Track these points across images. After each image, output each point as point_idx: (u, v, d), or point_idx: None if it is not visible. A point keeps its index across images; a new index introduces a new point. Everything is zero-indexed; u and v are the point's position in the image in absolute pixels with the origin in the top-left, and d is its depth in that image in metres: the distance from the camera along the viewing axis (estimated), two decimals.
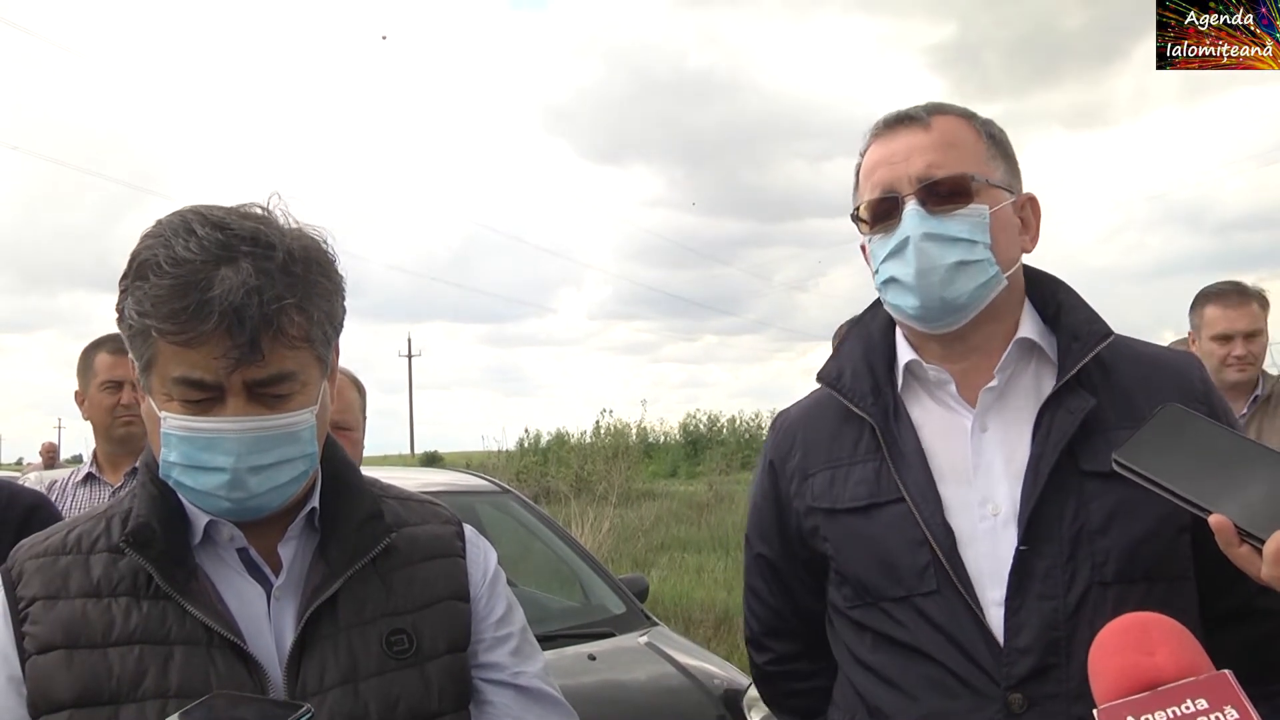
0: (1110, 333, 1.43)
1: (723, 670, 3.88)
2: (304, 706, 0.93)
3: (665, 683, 3.71)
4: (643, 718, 3.51)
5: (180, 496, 1.20)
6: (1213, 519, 1.12)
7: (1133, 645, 1.05)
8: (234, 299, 1.07)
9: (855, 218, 1.53)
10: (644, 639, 4.06)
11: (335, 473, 1.31)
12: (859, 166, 1.54)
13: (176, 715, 0.95)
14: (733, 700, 3.62)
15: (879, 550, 1.43)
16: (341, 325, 1.24)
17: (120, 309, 1.14)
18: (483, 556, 1.38)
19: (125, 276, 1.13)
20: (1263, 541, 1.09)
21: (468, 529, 1.40)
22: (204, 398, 1.12)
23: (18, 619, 1.14)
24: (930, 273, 1.40)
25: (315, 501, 1.26)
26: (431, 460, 34.09)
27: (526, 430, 31.23)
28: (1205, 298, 3.59)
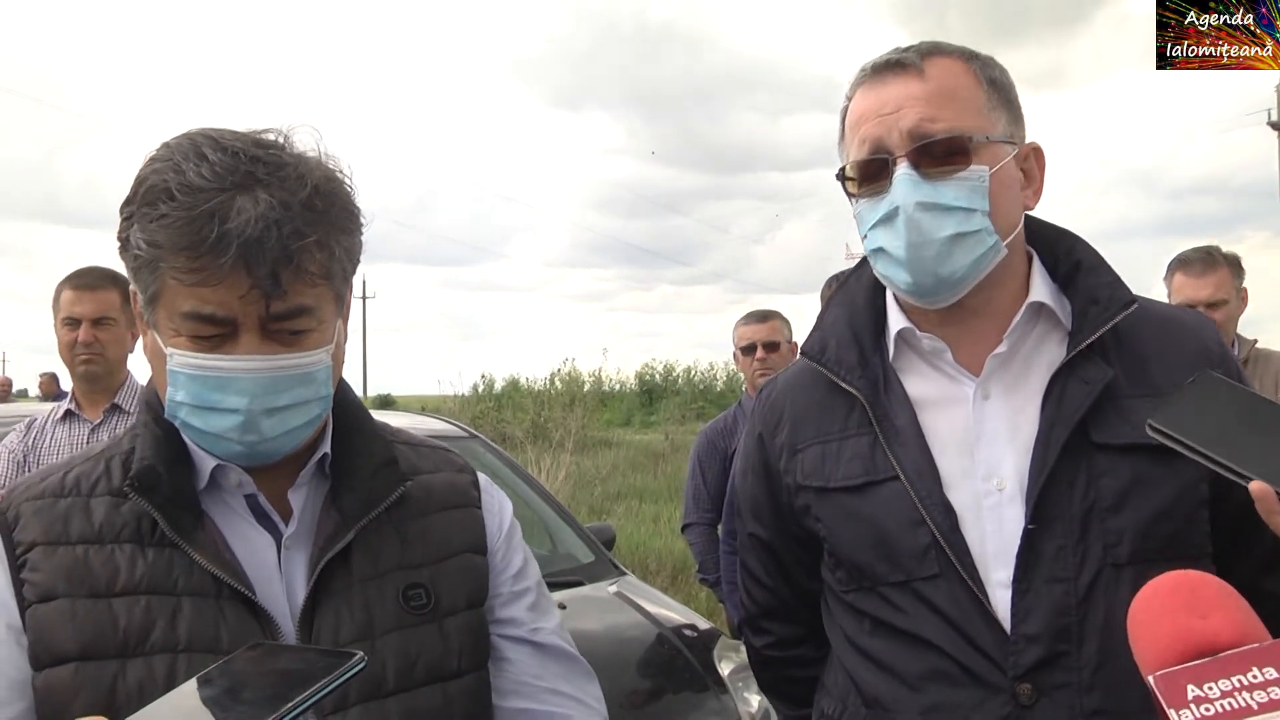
0: (1134, 299, 1.34)
1: (692, 620, 3.88)
2: (356, 654, 0.85)
3: (635, 632, 3.69)
4: (613, 667, 3.50)
5: (185, 438, 1.13)
6: (1253, 485, 1.08)
7: (1183, 606, 0.94)
8: (253, 231, 0.99)
9: (841, 177, 1.39)
10: (613, 588, 4.04)
11: (347, 416, 1.24)
12: (844, 114, 1.40)
13: (194, 681, 0.87)
14: (703, 650, 3.62)
15: (875, 532, 1.34)
16: (358, 260, 1.17)
17: (124, 237, 1.05)
18: (499, 507, 1.33)
19: (130, 202, 1.05)
20: None
21: (482, 478, 1.34)
22: (215, 333, 1.04)
23: (16, 565, 1.06)
24: (923, 246, 1.29)
25: (327, 446, 1.20)
26: (385, 404, 33.77)
27: (482, 375, 31.05)
28: (1174, 264, 3.56)
